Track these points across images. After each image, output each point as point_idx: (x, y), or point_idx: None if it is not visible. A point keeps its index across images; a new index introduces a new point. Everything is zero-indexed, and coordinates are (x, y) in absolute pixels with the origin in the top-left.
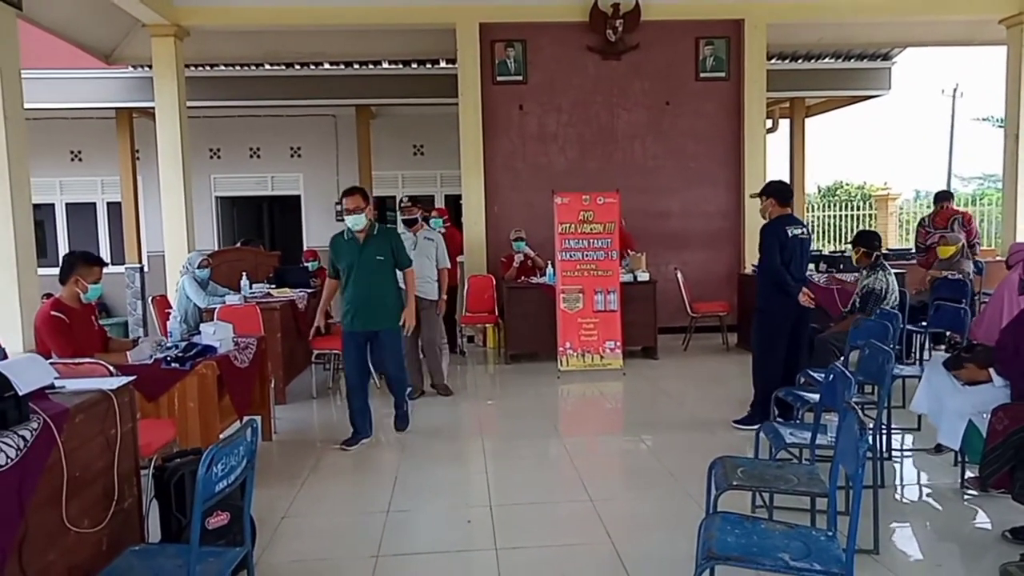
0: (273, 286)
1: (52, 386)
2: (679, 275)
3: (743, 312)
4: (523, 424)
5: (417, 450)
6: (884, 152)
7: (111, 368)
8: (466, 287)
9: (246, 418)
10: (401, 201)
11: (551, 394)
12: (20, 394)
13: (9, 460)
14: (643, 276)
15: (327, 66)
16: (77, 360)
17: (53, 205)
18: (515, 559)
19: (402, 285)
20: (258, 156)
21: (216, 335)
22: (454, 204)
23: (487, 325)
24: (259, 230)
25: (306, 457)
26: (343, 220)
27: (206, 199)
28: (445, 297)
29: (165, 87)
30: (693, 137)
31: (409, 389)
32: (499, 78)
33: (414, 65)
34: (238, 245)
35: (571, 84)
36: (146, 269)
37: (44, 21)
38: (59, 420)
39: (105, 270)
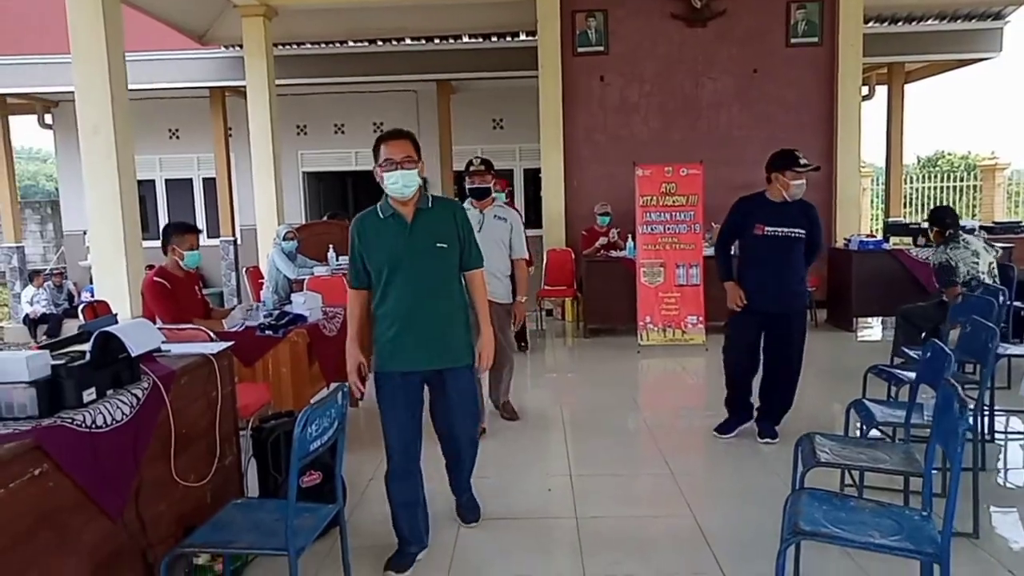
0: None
1: (159, 349)
2: None
3: (833, 288)
4: (602, 397)
5: (497, 418)
6: (992, 119)
7: (211, 334)
8: (544, 261)
9: (335, 384)
10: (470, 163)
11: (631, 368)
12: (132, 356)
13: (124, 416)
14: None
15: (408, 41)
16: (181, 325)
17: (154, 181)
18: (595, 527)
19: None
20: (342, 132)
21: (306, 304)
22: (533, 179)
23: (566, 299)
24: (343, 204)
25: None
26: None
27: (294, 174)
28: (524, 299)
29: (255, 66)
30: (782, 106)
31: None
32: (580, 49)
33: (494, 39)
34: (325, 219)
35: (654, 53)
36: (239, 242)
37: (141, 3)
38: (166, 381)
39: (201, 243)
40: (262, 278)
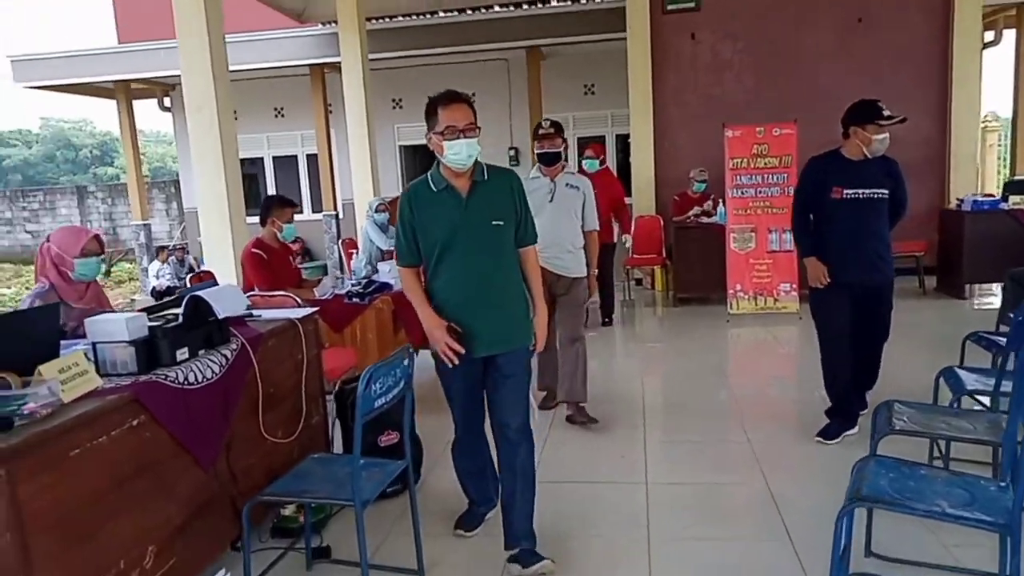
0: None
1: (251, 315)
2: None
3: (943, 252)
4: (687, 367)
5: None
6: None
7: (299, 300)
8: (633, 228)
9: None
10: (538, 126)
11: (719, 337)
12: (219, 318)
13: (214, 375)
14: None
15: (496, 9)
16: (272, 292)
17: (262, 159)
18: (663, 493)
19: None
20: None
21: (391, 273)
22: (625, 145)
23: (655, 267)
24: None
25: None
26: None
27: (390, 148)
28: (596, 271)
29: (349, 41)
30: (890, 57)
31: (543, 395)
32: (669, 7)
33: (583, 1)
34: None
35: (748, 7)
36: (340, 216)
37: None
38: (254, 343)
39: (306, 217)
40: (355, 249)
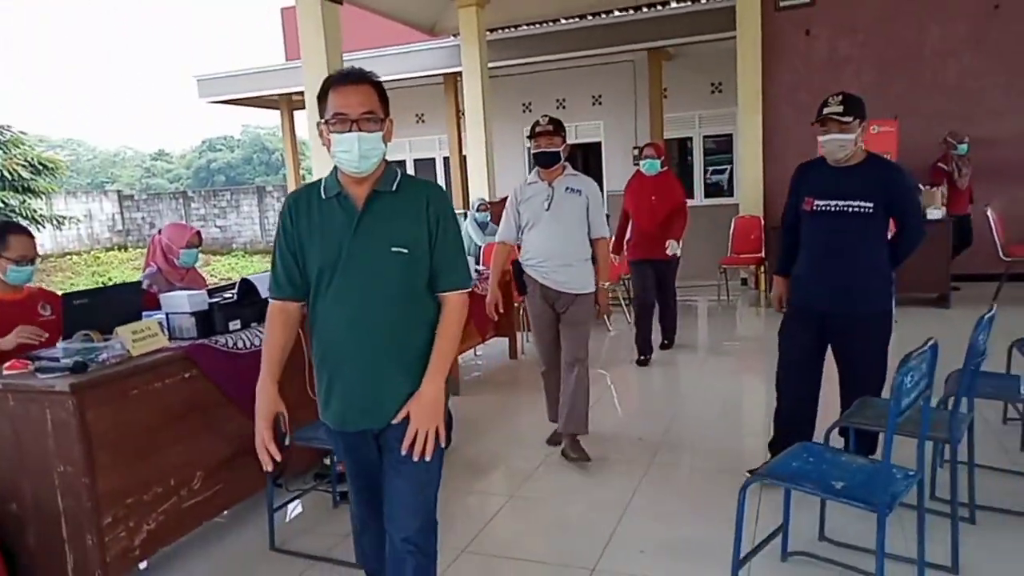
0: None
1: None
2: (990, 213)
3: None
4: (758, 363)
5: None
6: None
7: None
8: (732, 227)
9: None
10: (536, 123)
11: None
12: (263, 297)
13: (254, 346)
14: (935, 214)
15: (616, 13)
16: None
17: (404, 161)
18: (661, 472)
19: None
20: (563, 107)
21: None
22: None
23: (760, 267)
24: None
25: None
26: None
27: (519, 151)
28: (607, 284)
29: (470, 52)
30: None
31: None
32: (783, 4)
33: (702, 1)
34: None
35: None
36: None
37: (375, 7)
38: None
39: None
40: None
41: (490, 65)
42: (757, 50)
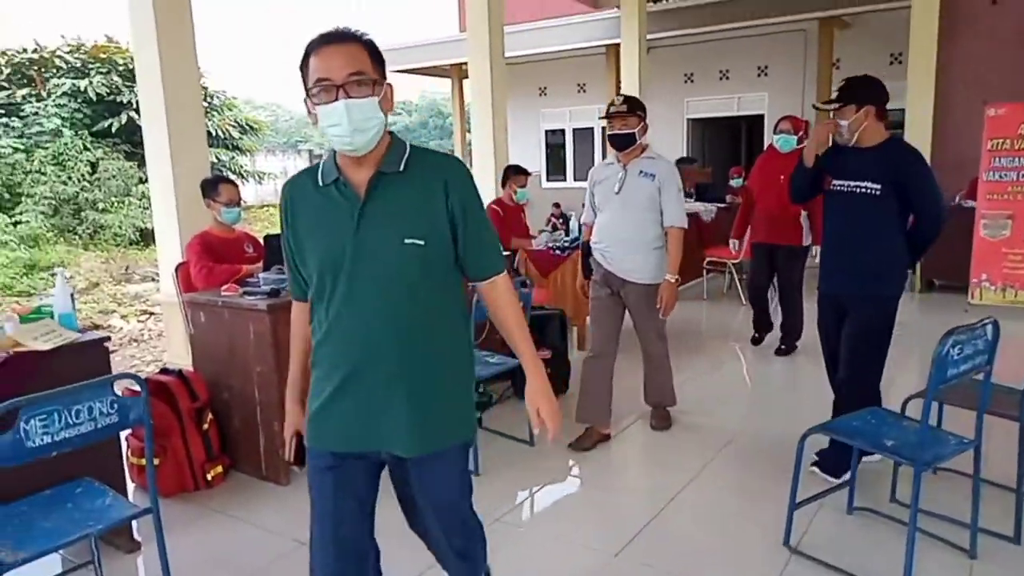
0: (691, 199)
1: None
2: None
3: None
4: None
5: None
6: None
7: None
8: None
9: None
10: (610, 104)
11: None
12: None
13: None
14: None
15: None
16: None
17: (563, 130)
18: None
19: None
20: (727, 78)
21: None
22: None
23: None
24: (734, 151)
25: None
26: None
27: (679, 122)
28: (675, 278)
29: (629, 24)
30: None
31: (582, 433)
32: None
33: None
34: (675, 163)
35: None
36: None
37: None
38: None
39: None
40: None
41: (651, 36)
42: (934, 19)
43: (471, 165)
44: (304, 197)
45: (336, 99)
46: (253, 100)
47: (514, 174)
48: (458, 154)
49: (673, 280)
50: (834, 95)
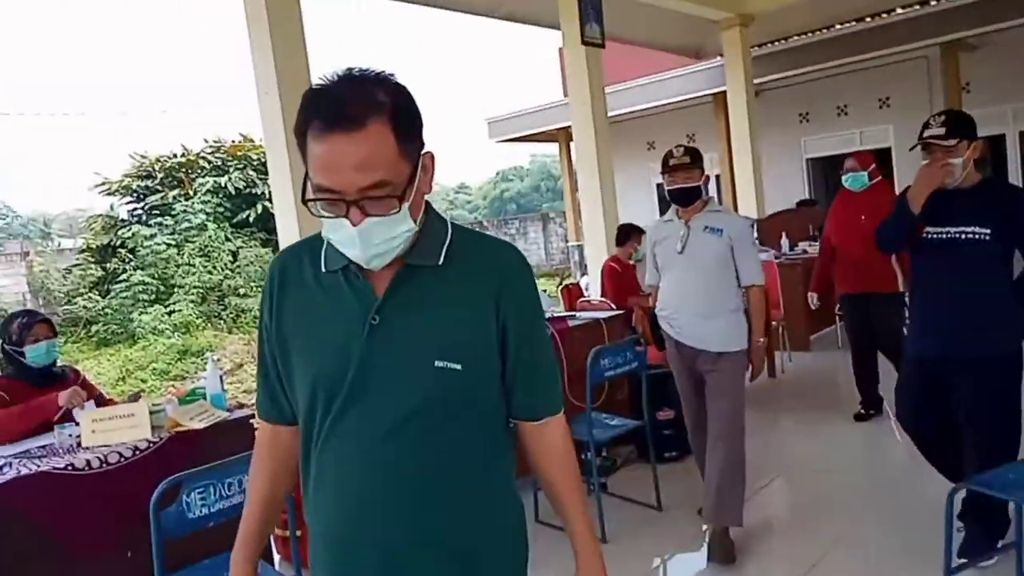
0: (816, 242)
1: (573, 315)
2: None
3: None
4: None
5: None
6: None
7: (612, 305)
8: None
9: None
10: (668, 155)
11: None
12: None
13: None
14: None
15: (899, 11)
16: (597, 299)
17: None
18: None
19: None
20: (845, 113)
21: None
22: None
23: None
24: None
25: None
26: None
27: (796, 162)
28: (762, 341)
29: (733, 73)
30: None
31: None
32: None
33: None
34: (795, 206)
35: None
36: None
37: (640, 40)
38: (562, 333)
39: None
40: None
41: (760, 80)
42: None
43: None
44: (298, 282)
45: (347, 214)
46: None
47: (636, 233)
48: (570, 215)
49: (761, 342)
50: (935, 132)
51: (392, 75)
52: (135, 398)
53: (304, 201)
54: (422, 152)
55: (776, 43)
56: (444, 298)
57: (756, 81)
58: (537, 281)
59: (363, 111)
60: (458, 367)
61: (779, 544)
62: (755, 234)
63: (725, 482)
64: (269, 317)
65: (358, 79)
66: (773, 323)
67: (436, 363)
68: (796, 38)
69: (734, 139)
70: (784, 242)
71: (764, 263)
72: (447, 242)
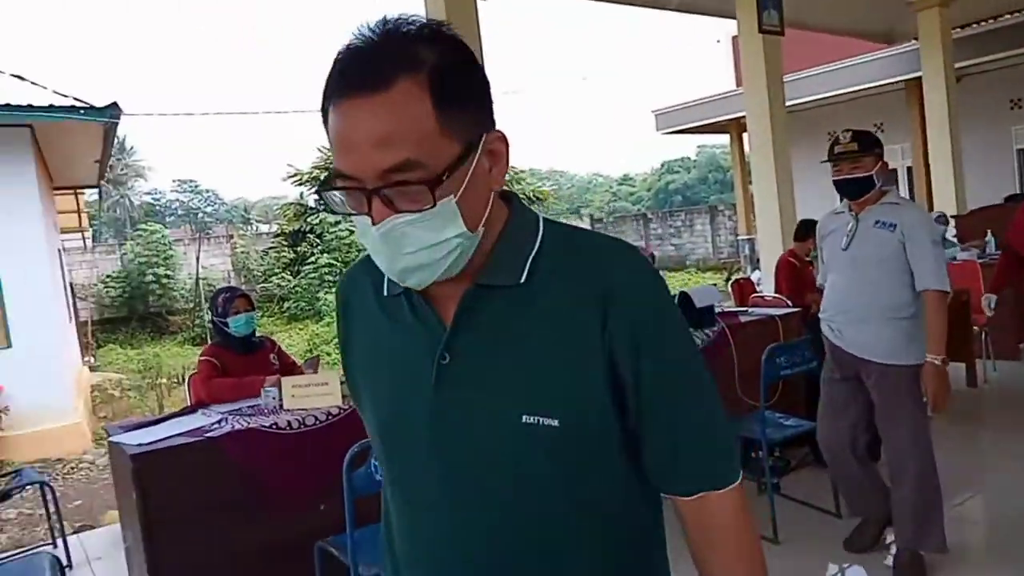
0: None
1: (745, 310)
2: None
3: None
4: None
5: None
6: None
7: (788, 302)
8: None
9: None
10: (835, 141)
11: None
12: (697, 307)
13: (700, 343)
14: None
15: None
16: (771, 295)
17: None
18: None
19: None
20: None
21: None
22: None
23: None
24: None
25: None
26: None
27: (1006, 153)
28: (940, 359)
29: (930, 56)
30: None
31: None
32: None
33: None
34: (1002, 201)
35: None
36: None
37: (822, 26)
38: (733, 328)
39: None
40: None
41: (962, 64)
42: None
43: (754, 220)
44: (362, 310)
45: (368, 211)
46: (538, 170)
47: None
48: (740, 208)
49: (939, 360)
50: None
51: (446, 26)
52: (313, 363)
53: (317, 192)
54: (488, 132)
55: (981, 23)
56: (529, 329)
57: (957, 66)
58: (704, 275)
59: (389, 67)
60: (554, 422)
61: (973, 571)
62: (947, 231)
63: (920, 502)
64: (341, 352)
65: (392, 28)
66: (975, 329)
67: (523, 419)
68: (1008, 16)
69: (930, 128)
70: (990, 240)
71: (965, 263)
72: (533, 252)
